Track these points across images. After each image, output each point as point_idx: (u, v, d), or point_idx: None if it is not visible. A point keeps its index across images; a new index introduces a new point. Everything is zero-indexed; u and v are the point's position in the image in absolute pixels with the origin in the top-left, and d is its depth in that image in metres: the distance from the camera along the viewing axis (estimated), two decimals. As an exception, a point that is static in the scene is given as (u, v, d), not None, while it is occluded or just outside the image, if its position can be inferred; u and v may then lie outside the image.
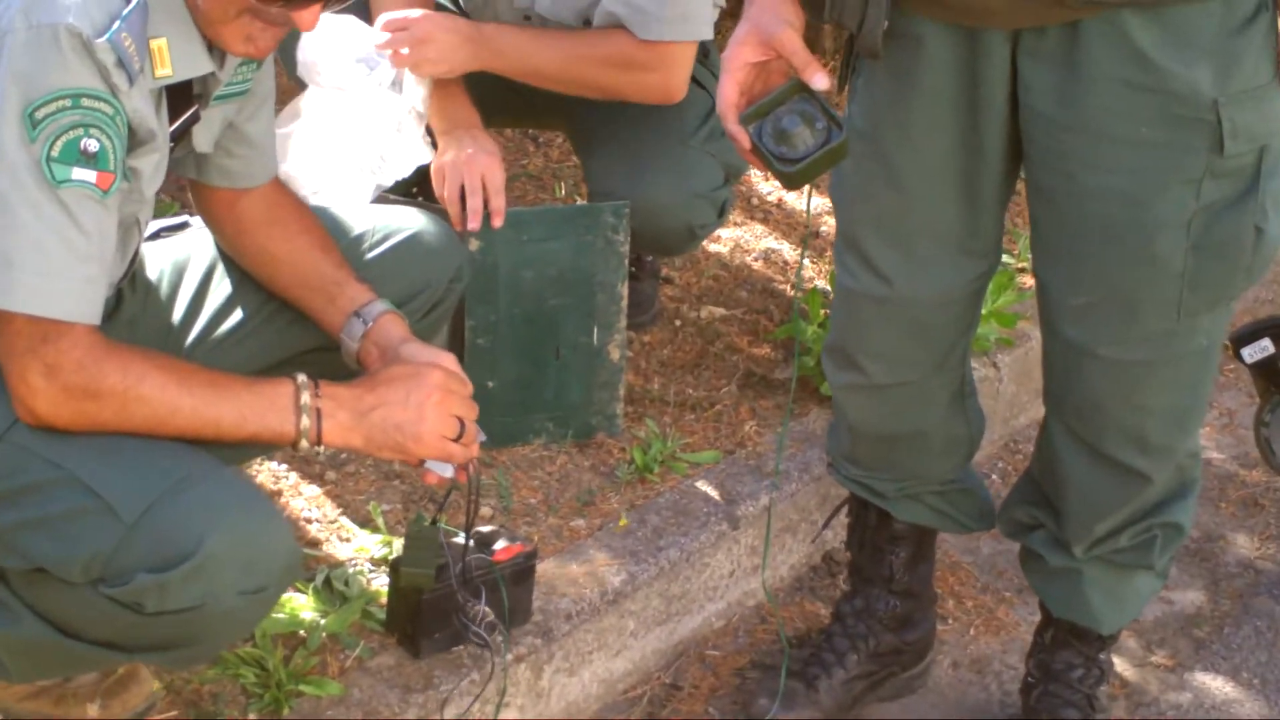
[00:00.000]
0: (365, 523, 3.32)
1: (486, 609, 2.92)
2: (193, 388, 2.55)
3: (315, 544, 3.27)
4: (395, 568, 3.00)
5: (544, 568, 3.25)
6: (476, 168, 3.50)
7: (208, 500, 2.48)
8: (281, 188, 2.99)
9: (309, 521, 3.32)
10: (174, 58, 2.58)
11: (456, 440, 2.70)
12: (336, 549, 3.26)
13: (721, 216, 3.78)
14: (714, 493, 3.53)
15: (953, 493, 3.24)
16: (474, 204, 3.48)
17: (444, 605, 2.97)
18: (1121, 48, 2.66)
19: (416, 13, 3.54)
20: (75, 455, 2.50)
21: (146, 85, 2.55)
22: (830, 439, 3.30)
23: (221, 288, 2.97)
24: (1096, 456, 2.97)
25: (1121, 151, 2.73)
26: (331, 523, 3.33)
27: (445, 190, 3.50)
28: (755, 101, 2.73)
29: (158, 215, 2.94)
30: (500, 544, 3.06)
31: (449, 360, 2.77)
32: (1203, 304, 2.82)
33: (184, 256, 2.99)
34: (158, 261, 2.97)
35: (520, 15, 3.75)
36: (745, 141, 2.71)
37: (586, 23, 3.69)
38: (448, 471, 2.74)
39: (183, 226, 3.07)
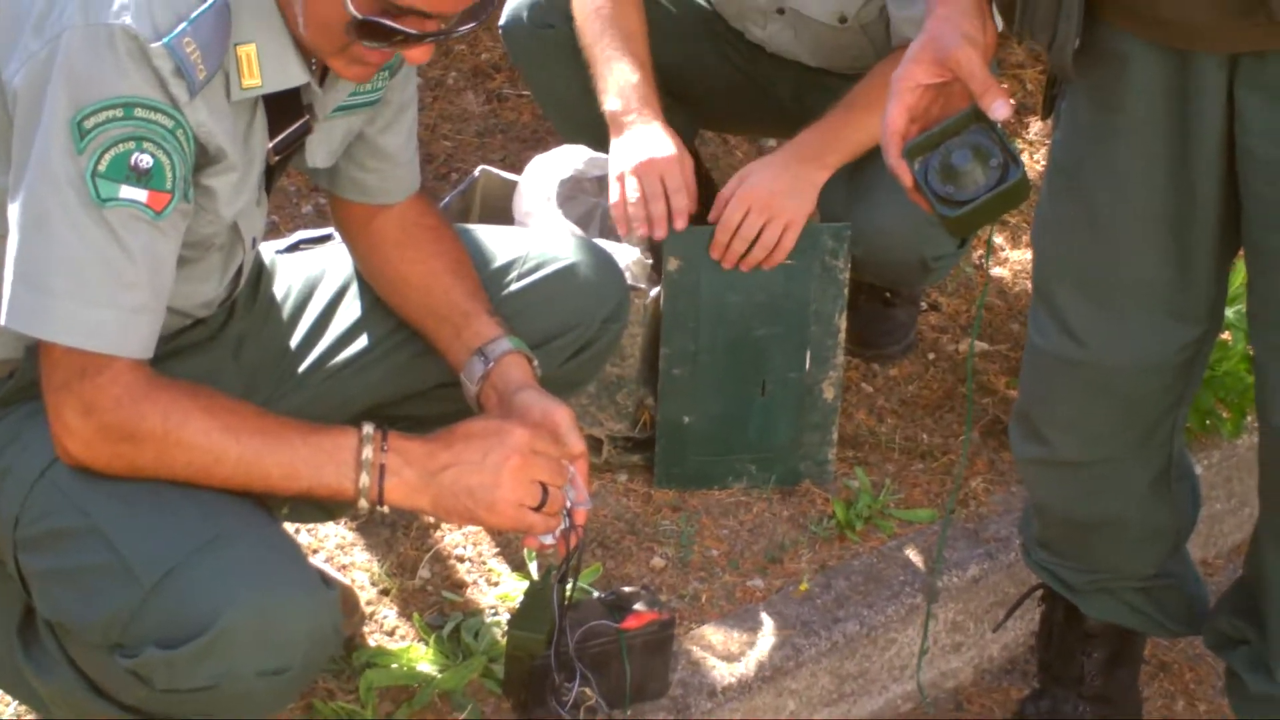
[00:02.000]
0: (520, 567, 3.07)
1: (586, 690, 2.64)
2: (241, 435, 2.33)
3: (459, 587, 3.03)
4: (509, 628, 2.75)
5: (702, 633, 2.96)
6: (654, 170, 3.19)
7: (232, 568, 2.27)
8: (424, 205, 2.76)
9: (460, 560, 3.09)
10: (264, 67, 2.36)
11: (540, 508, 2.42)
12: (481, 595, 3.02)
13: (963, 246, 3.40)
14: (917, 558, 3.17)
15: (1157, 589, 2.82)
16: (656, 210, 3.17)
17: (558, 673, 2.69)
18: None
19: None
20: (104, 503, 2.32)
21: (224, 98, 2.33)
22: (1023, 518, 2.91)
23: (350, 310, 2.76)
24: (1304, 571, 2.53)
25: (1353, 210, 2.29)
26: (482, 563, 3.09)
27: (622, 195, 3.20)
28: (928, 129, 2.37)
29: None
30: (638, 608, 2.77)
31: (562, 416, 2.49)
32: None
33: (318, 273, 2.79)
34: (288, 276, 2.78)
35: (775, 8, 3.46)
36: (907, 178, 2.36)
37: (842, 19, 3.38)
38: (547, 539, 2.46)
39: (326, 239, 2.87)
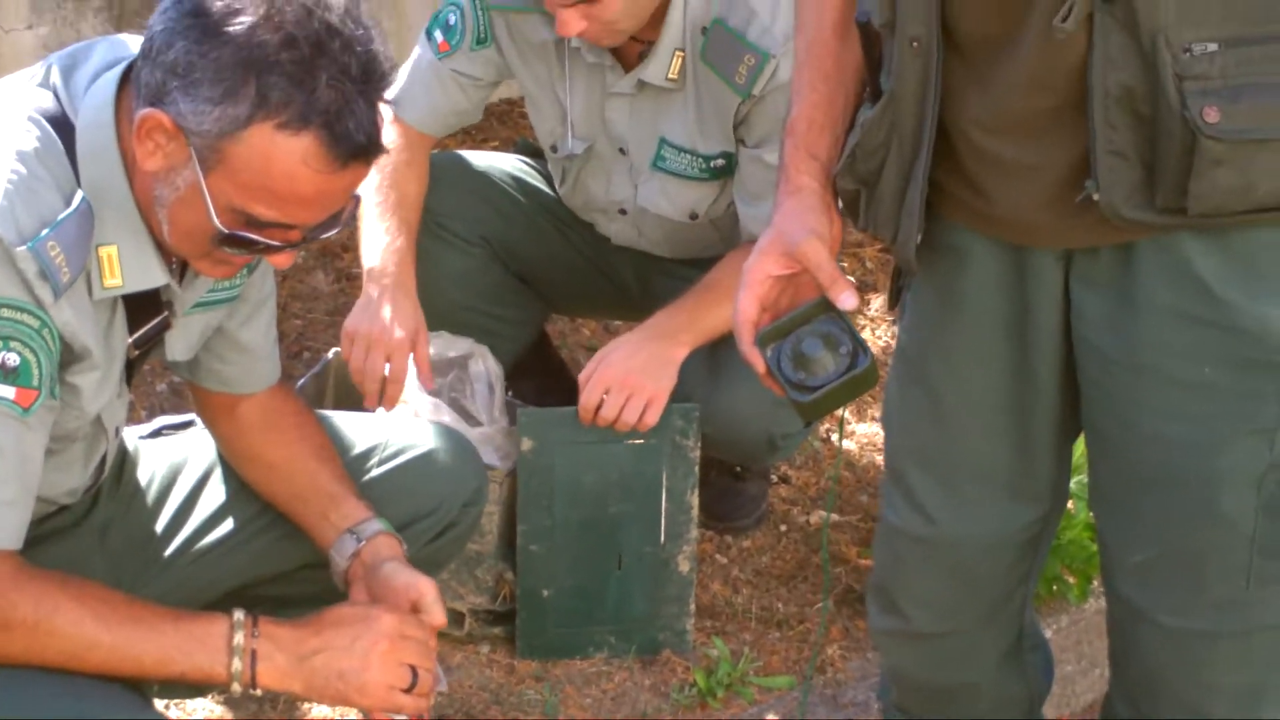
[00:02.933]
0: (386, 740, 3.10)
1: None
2: (112, 623, 2.37)
3: (329, 756, 3.07)
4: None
5: (569, 805, 3.00)
6: (382, 349, 3.25)
7: None
8: (286, 392, 2.83)
9: (329, 730, 3.13)
10: (125, 268, 2.41)
11: (410, 690, 2.46)
12: (349, 767, 3.05)
13: (809, 426, 3.50)
14: (778, 725, 3.24)
15: (1015, 754, 2.89)
16: (370, 387, 3.25)
17: None
18: (1180, 276, 2.32)
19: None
20: None
21: (87, 297, 2.38)
22: (881, 683, 2.98)
23: (215, 495, 2.81)
24: (1155, 736, 2.61)
25: (1181, 394, 2.38)
26: (350, 735, 3.13)
27: (351, 360, 3.27)
28: (778, 318, 2.45)
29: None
30: (505, 781, 2.81)
31: (427, 587, 2.56)
32: (1278, 572, 2.45)
33: (181, 459, 2.83)
34: (152, 462, 2.82)
35: (616, 208, 3.57)
36: (760, 365, 2.43)
37: (693, 216, 3.50)
38: (399, 716, 2.50)
39: (188, 425, 2.91)
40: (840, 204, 2.47)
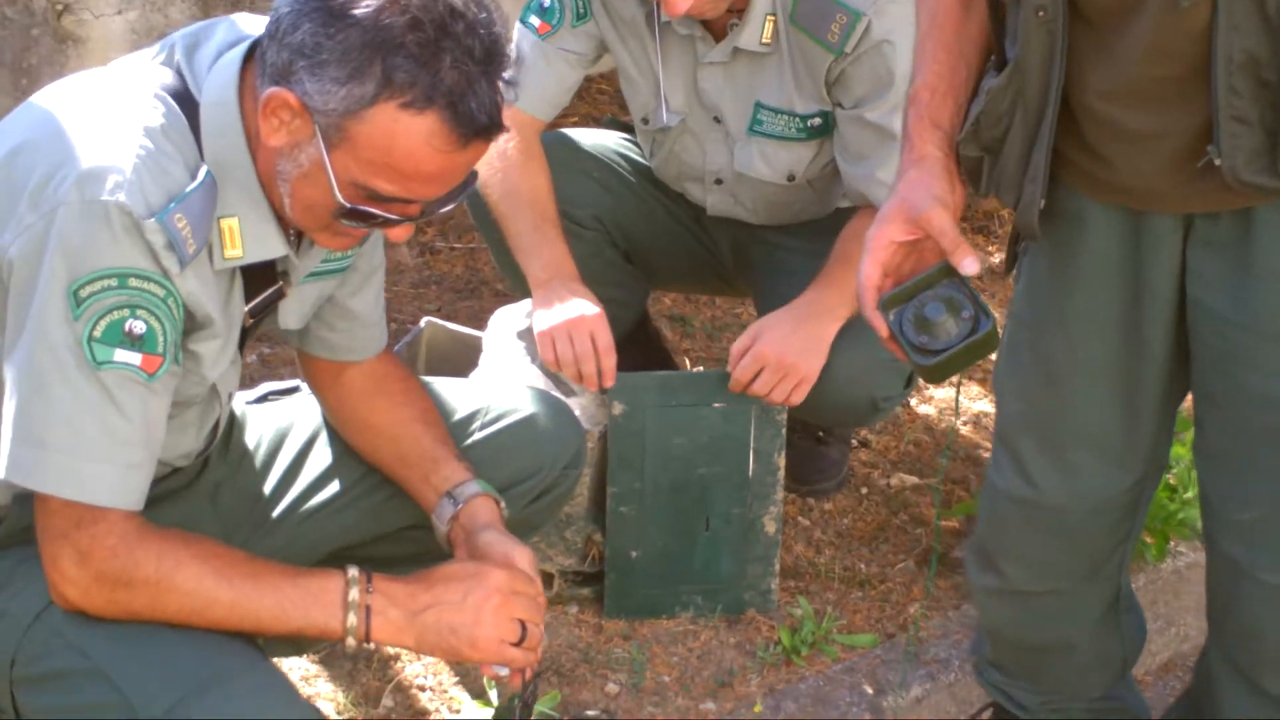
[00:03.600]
0: (480, 694, 3.15)
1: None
2: (232, 579, 2.41)
3: (422, 714, 3.11)
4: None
5: (660, 759, 3.05)
6: (584, 328, 3.32)
7: (232, 706, 2.34)
8: (391, 360, 2.87)
9: (421, 689, 3.18)
10: (245, 239, 2.46)
11: (519, 644, 2.51)
12: (443, 723, 3.10)
13: (909, 387, 3.55)
14: (863, 681, 3.28)
15: (1106, 710, 2.94)
16: (588, 370, 3.31)
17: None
18: None
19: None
20: (104, 645, 2.39)
21: (209, 267, 2.42)
22: (975, 640, 3.02)
23: (321, 457, 2.85)
24: (1254, 691, 2.65)
25: (1293, 356, 2.42)
26: (443, 692, 3.18)
27: (557, 355, 3.32)
28: (901, 283, 2.48)
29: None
30: (597, 736, 2.86)
31: (523, 557, 2.60)
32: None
33: (287, 423, 2.88)
34: (259, 426, 2.86)
35: (713, 178, 3.61)
36: (883, 329, 2.47)
37: (791, 178, 3.54)
38: (503, 671, 2.55)
39: (293, 390, 2.96)
40: (961, 170, 2.50)
